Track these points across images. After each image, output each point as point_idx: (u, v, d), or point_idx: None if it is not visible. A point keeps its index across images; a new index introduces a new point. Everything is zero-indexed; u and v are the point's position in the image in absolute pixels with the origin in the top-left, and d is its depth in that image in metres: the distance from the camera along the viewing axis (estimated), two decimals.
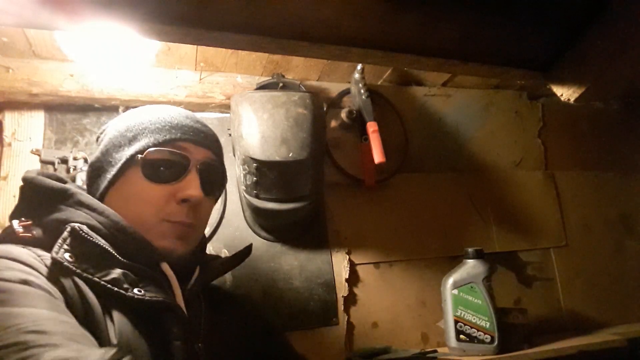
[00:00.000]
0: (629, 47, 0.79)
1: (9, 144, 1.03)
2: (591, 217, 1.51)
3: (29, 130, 1.06)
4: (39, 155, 1.04)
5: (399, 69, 1.34)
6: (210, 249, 1.12)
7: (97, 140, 0.79)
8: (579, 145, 1.59)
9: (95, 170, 0.74)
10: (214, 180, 0.78)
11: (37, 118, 1.07)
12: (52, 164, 1.05)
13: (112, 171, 0.72)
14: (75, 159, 1.05)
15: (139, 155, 0.71)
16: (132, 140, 0.73)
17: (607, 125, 1.65)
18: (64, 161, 1.05)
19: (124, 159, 0.71)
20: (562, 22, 0.83)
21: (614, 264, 1.49)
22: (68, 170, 1.05)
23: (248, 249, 0.84)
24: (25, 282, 0.54)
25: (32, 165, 1.04)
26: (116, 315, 0.60)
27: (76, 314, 0.56)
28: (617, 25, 0.79)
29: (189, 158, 0.73)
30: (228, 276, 1.10)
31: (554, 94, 0.93)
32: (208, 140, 0.77)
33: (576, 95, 0.89)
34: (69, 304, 0.57)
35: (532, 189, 1.47)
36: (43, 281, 0.56)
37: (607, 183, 1.58)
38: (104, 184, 0.72)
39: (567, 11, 0.81)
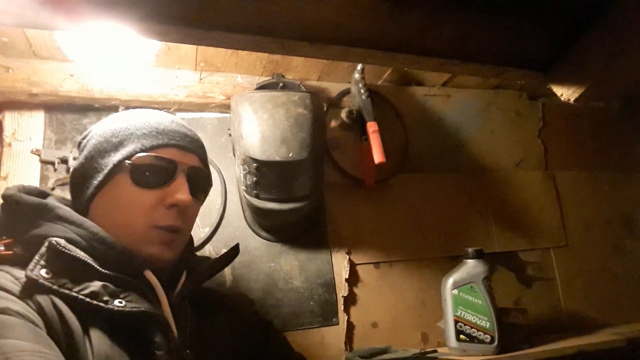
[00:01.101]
0: (629, 47, 0.79)
1: (9, 144, 1.03)
2: (591, 217, 1.51)
3: (29, 130, 1.06)
4: (39, 155, 1.04)
5: (399, 69, 1.33)
6: (210, 248, 1.12)
7: (79, 145, 0.78)
8: (579, 145, 1.59)
9: (80, 177, 0.73)
10: (200, 184, 0.79)
11: (37, 118, 1.07)
12: (52, 164, 1.05)
13: (99, 177, 0.71)
14: (75, 159, 1.05)
15: (127, 161, 0.71)
16: (118, 146, 0.72)
17: (607, 125, 1.65)
18: (64, 161, 1.05)
19: (110, 165, 0.71)
20: (562, 23, 0.83)
21: (614, 264, 1.49)
22: (68, 170, 1.05)
23: (235, 249, 0.84)
24: (5, 311, 0.53)
25: (32, 165, 1.04)
26: (95, 334, 0.59)
27: (56, 336, 0.56)
28: (617, 26, 0.79)
29: (176, 163, 0.73)
30: (228, 276, 1.10)
31: (554, 94, 0.93)
32: (194, 144, 0.78)
33: (576, 95, 0.89)
34: (49, 327, 0.56)
35: (532, 189, 1.47)
36: (24, 307, 0.55)
37: (607, 183, 1.58)
38: (90, 190, 0.72)
39: (567, 11, 0.81)
